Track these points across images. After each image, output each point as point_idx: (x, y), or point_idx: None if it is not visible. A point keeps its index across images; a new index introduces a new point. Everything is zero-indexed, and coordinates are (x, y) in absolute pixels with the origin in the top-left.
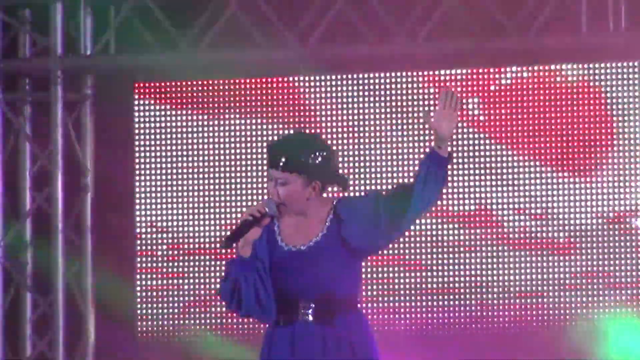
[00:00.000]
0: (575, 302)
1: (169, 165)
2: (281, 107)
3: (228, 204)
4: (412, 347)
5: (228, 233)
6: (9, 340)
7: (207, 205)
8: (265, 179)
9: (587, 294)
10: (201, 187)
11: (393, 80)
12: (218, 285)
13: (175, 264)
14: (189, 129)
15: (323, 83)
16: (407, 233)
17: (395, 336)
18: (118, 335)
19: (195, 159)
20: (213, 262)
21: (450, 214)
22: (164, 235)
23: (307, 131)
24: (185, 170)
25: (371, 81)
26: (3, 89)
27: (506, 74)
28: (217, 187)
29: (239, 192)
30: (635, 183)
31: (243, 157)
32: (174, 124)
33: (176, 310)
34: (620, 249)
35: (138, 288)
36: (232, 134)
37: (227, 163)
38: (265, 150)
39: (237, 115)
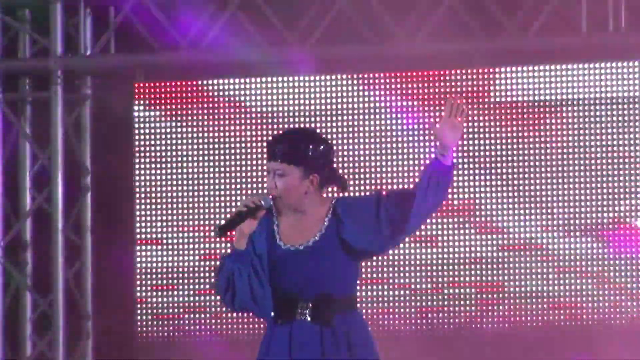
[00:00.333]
0: (575, 302)
1: (168, 165)
2: (281, 107)
3: (228, 203)
4: (412, 347)
5: (221, 222)
6: (9, 340)
7: (207, 205)
8: (265, 179)
9: (588, 294)
10: (201, 187)
11: (393, 80)
12: (213, 279)
13: (175, 264)
14: (189, 129)
15: (323, 83)
16: None
17: (394, 336)
18: (118, 335)
19: (195, 158)
20: (213, 262)
21: (450, 213)
22: (164, 235)
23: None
24: (185, 170)
25: (371, 81)
26: (3, 89)
27: (506, 74)
28: (217, 187)
29: (239, 192)
30: (636, 184)
31: (243, 157)
32: (173, 124)
33: (176, 310)
34: (621, 249)
35: (138, 288)
36: (232, 134)
37: (227, 163)
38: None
39: (237, 115)
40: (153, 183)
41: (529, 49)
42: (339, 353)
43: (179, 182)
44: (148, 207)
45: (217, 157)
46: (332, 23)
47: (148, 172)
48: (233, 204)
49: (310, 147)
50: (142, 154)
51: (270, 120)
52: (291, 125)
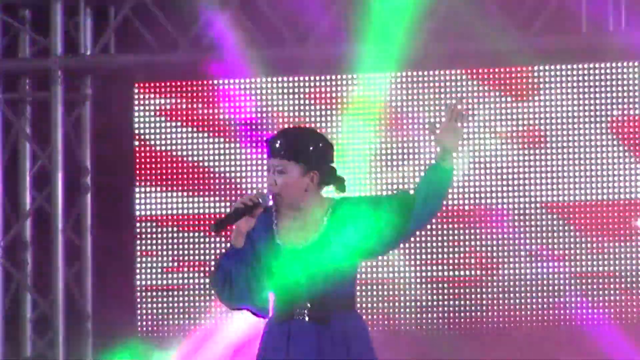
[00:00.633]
0: (575, 302)
1: (169, 165)
2: (281, 107)
3: (228, 204)
4: (412, 347)
5: (218, 218)
6: (9, 340)
7: (207, 205)
8: (265, 179)
9: (588, 294)
10: (201, 187)
11: (393, 80)
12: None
13: (175, 264)
14: (189, 129)
15: (323, 83)
16: None
17: (394, 336)
18: (118, 335)
19: (196, 159)
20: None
21: (450, 213)
22: (164, 235)
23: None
24: (185, 170)
25: (371, 81)
26: (3, 89)
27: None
28: (217, 187)
29: (239, 192)
30: (636, 183)
31: (243, 157)
32: (173, 123)
33: (176, 310)
34: (621, 249)
35: (138, 288)
36: (232, 134)
37: (227, 163)
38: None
39: (237, 116)
40: (153, 183)
41: (529, 49)
42: (336, 353)
43: (179, 182)
44: (148, 207)
45: (217, 157)
46: (332, 23)
47: (148, 172)
48: (233, 204)
49: (310, 143)
50: (142, 154)
51: (270, 120)
52: (291, 125)
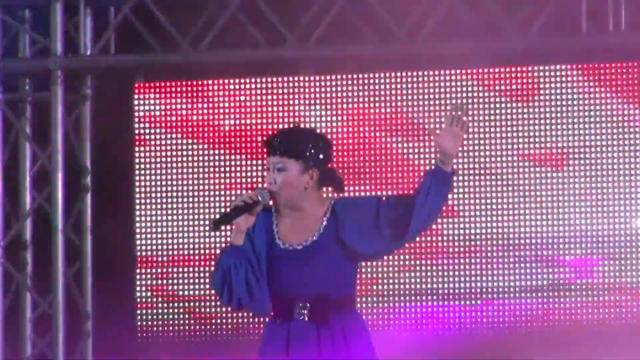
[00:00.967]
0: (575, 302)
1: (169, 165)
2: (281, 107)
3: (228, 204)
4: (412, 347)
5: (217, 216)
6: (9, 340)
7: (207, 205)
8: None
9: (588, 294)
10: (201, 188)
11: (393, 80)
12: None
13: (176, 264)
14: (189, 129)
15: (323, 83)
16: None
17: (394, 336)
18: (118, 335)
19: (196, 159)
20: (213, 262)
21: (450, 213)
22: (164, 235)
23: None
24: (185, 171)
25: (371, 81)
26: (3, 89)
27: (506, 74)
28: (217, 187)
29: (239, 192)
30: (636, 184)
31: (243, 157)
32: (174, 124)
33: (176, 310)
34: (621, 249)
35: (138, 288)
36: (232, 134)
37: (227, 163)
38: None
39: (237, 116)
40: (153, 183)
41: (529, 49)
42: (336, 353)
43: (179, 182)
44: (148, 207)
45: (217, 157)
46: (332, 23)
47: (148, 172)
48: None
49: (310, 142)
50: (142, 154)
51: (270, 120)
52: (290, 125)
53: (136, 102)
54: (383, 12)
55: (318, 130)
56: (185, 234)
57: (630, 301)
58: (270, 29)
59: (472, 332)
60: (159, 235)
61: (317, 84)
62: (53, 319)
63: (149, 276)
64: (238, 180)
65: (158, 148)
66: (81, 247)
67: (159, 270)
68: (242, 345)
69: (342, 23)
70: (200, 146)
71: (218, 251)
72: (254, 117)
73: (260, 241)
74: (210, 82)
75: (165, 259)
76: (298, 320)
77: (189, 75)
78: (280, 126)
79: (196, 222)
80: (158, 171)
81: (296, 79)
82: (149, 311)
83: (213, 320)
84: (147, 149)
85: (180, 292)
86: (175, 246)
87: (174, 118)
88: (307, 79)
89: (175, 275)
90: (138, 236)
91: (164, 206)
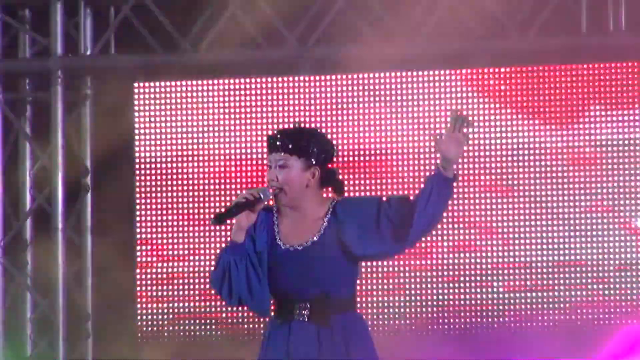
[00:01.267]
0: (576, 302)
1: (169, 165)
2: (281, 107)
3: (228, 204)
4: (412, 347)
5: (219, 211)
6: (9, 340)
7: (207, 205)
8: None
9: (588, 294)
10: (201, 187)
11: (393, 80)
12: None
13: (176, 263)
14: (189, 129)
15: (323, 83)
16: None
17: (394, 336)
18: (118, 335)
19: (196, 159)
20: (214, 262)
21: (449, 212)
22: (164, 235)
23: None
24: (185, 171)
25: (371, 81)
26: (3, 89)
27: (506, 74)
28: (217, 187)
29: (239, 192)
30: (636, 183)
31: (243, 157)
32: (174, 124)
33: (176, 310)
34: (621, 249)
35: (138, 288)
36: (232, 134)
37: (227, 163)
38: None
39: (237, 116)
40: (153, 183)
41: (529, 49)
42: (336, 354)
43: (179, 182)
44: (148, 207)
45: (217, 158)
46: (332, 23)
47: (148, 172)
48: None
49: (312, 140)
50: (142, 154)
51: (270, 120)
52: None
53: (136, 102)
54: (383, 12)
55: (319, 131)
56: (186, 234)
57: (631, 301)
58: (270, 29)
59: (472, 332)
60: (159, 235)
61: (317, 84)
62: (53, 319)
63: (149, 276)
64: (239, 180)
65: (158, 148)
66: (81, 247)
67: (159, 270)
68: (242, 345)
69: (342, 23)
70: (201, 146)
71: (218, 251)
72: (254, 117)
73: (262, 240)
74: (210, 82)
75: (165, 258)
76: (298, 320)
77: (189, 76)
78: (280, 126)
79: (196, 222)
80: (158, 171)
81: (296, 79)
82: (149, 311)
83: (213, 320)
84: (147, 149)
85: (180, 292)
86: (175, 246)
87: (174, 118)
88: (307, 79)
89: (175, 275)
90: (138, 236)
91: (164, 206)
